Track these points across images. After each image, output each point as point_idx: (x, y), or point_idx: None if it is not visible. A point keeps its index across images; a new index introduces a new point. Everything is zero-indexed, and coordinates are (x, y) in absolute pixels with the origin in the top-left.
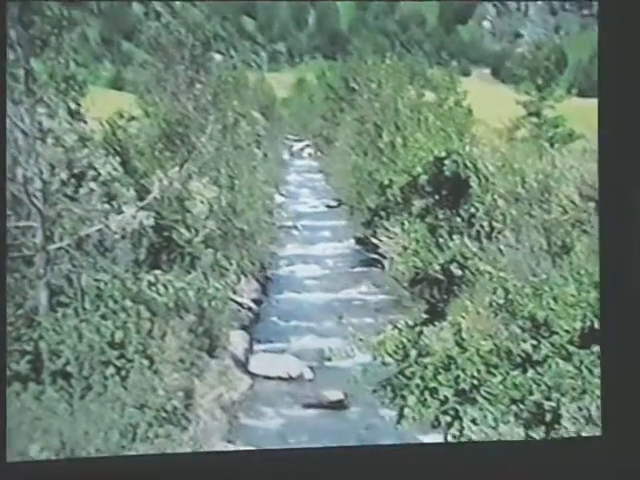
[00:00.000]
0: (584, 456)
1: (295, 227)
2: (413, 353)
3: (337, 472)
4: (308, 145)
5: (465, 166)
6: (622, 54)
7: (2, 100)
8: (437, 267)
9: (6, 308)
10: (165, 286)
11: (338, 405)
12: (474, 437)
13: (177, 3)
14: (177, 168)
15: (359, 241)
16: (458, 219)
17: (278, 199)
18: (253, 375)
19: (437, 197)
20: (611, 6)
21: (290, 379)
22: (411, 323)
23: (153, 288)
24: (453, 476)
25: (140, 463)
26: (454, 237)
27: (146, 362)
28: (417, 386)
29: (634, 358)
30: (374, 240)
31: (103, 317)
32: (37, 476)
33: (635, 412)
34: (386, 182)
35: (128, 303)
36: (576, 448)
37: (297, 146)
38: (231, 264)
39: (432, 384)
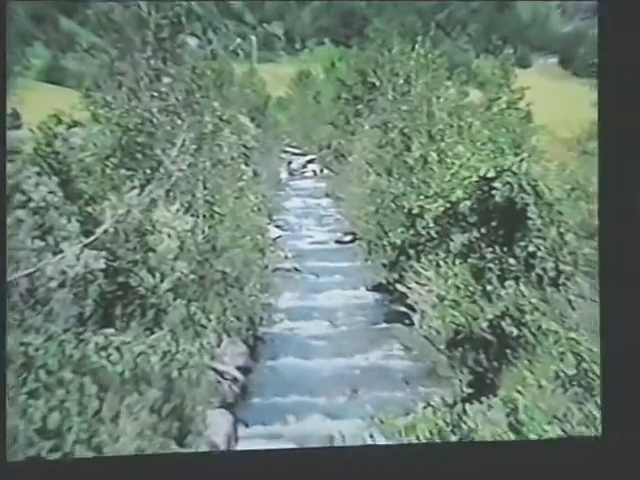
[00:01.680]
0: (584, 456)
1: (295, 269)
2: (453, 440)
3: (337, 472)
4: (312, 160)
5: (522, 189)
6: (624, 52)
7: (2, 100)
8: (484, 324)
9: (6, 308)
10: (119, 350)
11: None
12: None
13: None
14: (137, 191)
15: (380, 288)
16: (512, 260)
17: (273, 232)
18: None
19: (484, 230)
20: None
21: None
22: (450, 400)
23: (103, 353)
24: (453, 476)
25: (140, 463)
26: (507, 284)
27: (92, 456)
28: None
29: (634, 358)
30: (400, 287)
31: (32, 395)
32: (37, 476)
33: (635, 412)
34: (416, 210)
35: (67, 374)
36: (576, 448)
37: (298, 161)
38: (209, 320)
39: None
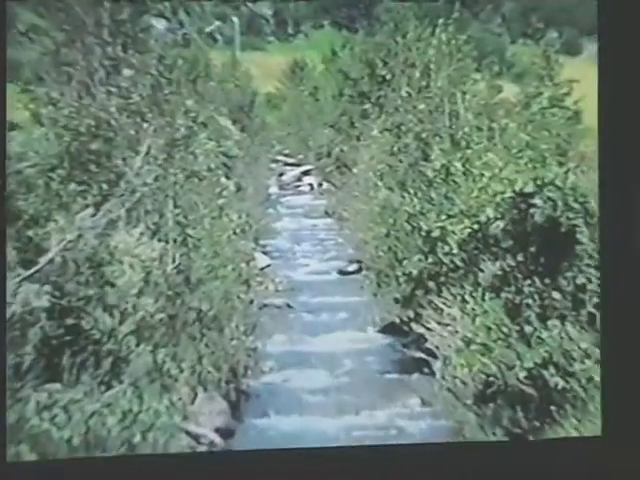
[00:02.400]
0: (584, 456)
1: (288, 306)
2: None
3: (337, 472)
4: (309, 171)
5: (568, 207)
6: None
7: (2, 100)
8: (522, 374)
9: (6, 308)
10: (67, 410)
11: None
12: None
13: None
14: (90, 211)
15: (392, 330)
16: (557, 294)
17: (260, 260)
18: None
19: (521, 258)
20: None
21: None
22: None
23: (46, 414)
24: (453, 476)
25: (140, 463)
26: (550, 324)
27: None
28: None
29: (634, 358)
30: (417, 328)
31: None
32: (37, 476)
33: (635, 412)
34: (436, 233)
35: None
36: (576, 448)
37: (291, 173)
38: (181, 370)
39: None
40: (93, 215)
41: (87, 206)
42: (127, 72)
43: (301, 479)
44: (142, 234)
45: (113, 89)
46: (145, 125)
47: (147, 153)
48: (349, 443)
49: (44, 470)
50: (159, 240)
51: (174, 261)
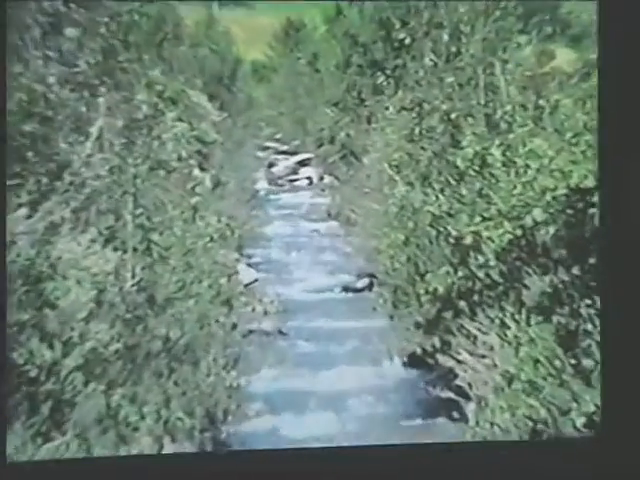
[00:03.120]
0: (584, 456)
1: (280, 332)
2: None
3: (337, 472)
4: (307, 161)
5: None
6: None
7: (2, 100)
8: (580, 420)
9: (6, 309)
10: None
11: None
12: None
13: None
14: (24, 211)
15: (413, 362)
16: None
17: (245, 274)
18: None
19: (577, 271)
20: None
21: None
22: None
23: None
24: (453, 476)
25: (140, 463)
26: None
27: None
28: None
29: (634, 357)
30: (444, 360)
31: None
32: (37, 476)
33: (635, 412)
34: (469, 239)
35: None
36: (576, 448)
37: (285, 163)
38: (142, 416)
39: None
40: (28, 217)
41: (20, 205)
42: (71, 32)
43: (301, 479)
44: (93, 241)
45: (52, 54)
46: (95, 101)
47: (98, 137)
48: None
49: (44, 470)
50: (115, 249)
51: (134, 276)
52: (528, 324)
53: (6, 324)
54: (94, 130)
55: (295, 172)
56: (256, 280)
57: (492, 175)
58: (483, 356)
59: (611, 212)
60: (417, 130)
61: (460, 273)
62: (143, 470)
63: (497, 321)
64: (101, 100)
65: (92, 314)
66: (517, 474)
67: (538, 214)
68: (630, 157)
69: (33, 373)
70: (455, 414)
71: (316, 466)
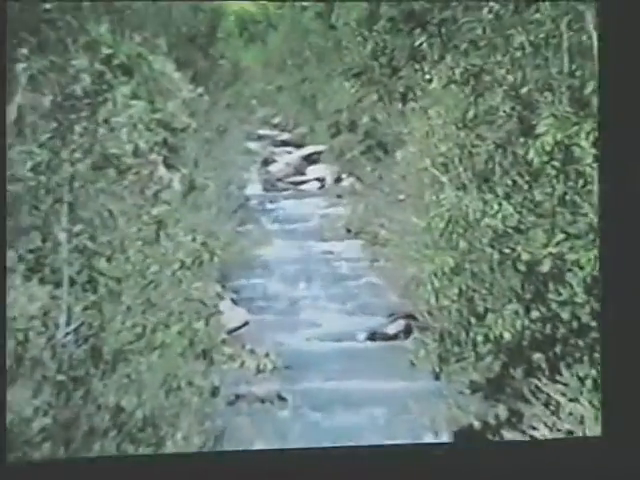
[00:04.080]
0: (584, 456)
1: (280, 398)
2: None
3: (337, 472)
4: (317, 156)
5: None
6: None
7: (2, 101)
8: None
9: (6, 308)
10: None
11: None
12: None
13: None
14: None
15: (470, 438)
16: None
17: (230, 316)
18: None
19: None
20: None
21: None
22: None
23: None
24: (453, 476)
25: (141, 463)
26: None
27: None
28: None
29: (634, 357)
30: (513, 436)
31: None
32: (37, 476)
33: (635, 412)
34: (546, 265)
35: None
36: (576, 448)
37: (286, 159)
38: None
39: None
40: None
41: None
42: None
43: (301, 479)
44: (11, 271)
45: None
46: (17, 67)
47: (17, 121)
48: None
49: (44, 470)
50: (42, 282)
51: (70, 321)
52: None
53: None
54: (11, 110)
55: (301, 171)
56: (246, 323)
57: (580, 174)
58: (570, 432)
59: None
60: (472, 112)
61: (535, 313)
62: (143, 470)
63: (589, 382)
64: (20, 67)
65: (11, 376)
66: (517, 474)
67: None
68: None
69: None
70: None
71: (317, 466)
